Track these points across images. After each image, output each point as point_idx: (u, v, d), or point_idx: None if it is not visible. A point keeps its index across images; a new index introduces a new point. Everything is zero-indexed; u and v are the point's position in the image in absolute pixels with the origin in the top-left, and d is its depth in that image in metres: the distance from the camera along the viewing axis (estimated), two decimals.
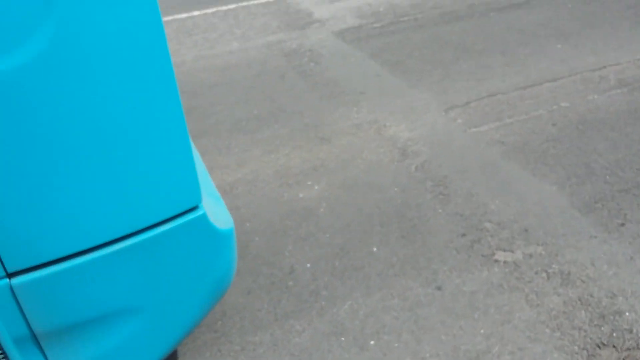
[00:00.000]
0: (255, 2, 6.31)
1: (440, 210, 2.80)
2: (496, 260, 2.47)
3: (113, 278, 1.42)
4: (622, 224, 2.61)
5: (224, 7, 6.21)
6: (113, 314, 1.46)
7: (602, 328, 2.11)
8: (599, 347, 2.07)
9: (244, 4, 6.28)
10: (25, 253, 1.29)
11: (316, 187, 3.07)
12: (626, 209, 2.69)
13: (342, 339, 2.15)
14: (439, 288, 2.34)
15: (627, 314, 2.17)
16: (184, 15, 6.05)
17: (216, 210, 1.66)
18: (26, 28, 1.12)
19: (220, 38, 5.36)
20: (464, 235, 2.62)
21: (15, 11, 1.11)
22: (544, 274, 2.38)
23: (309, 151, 3.40)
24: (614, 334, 2.10)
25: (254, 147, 3.49)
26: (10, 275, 1.29)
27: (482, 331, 2.13)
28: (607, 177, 2.95)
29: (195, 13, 6.12)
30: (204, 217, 1.52)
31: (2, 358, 1.35)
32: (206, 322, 2.29)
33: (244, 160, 3.37)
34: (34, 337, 1.38)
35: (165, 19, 5.99)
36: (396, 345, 2.10)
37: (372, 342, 2.12)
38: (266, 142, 3.53)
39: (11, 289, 1.30)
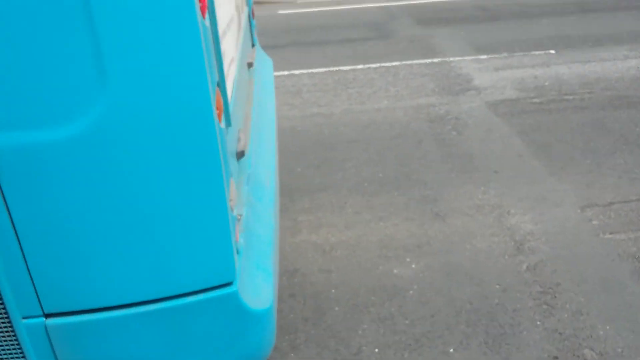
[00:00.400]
0: (418, 61, 6.34)
1: (538, 323, 2.53)
2: None
3: (139, 338, 1.51)
4: None
5: (387, 64, 6.34)
6: None
7: None
8: None
9: (408, 62, 6.34)
10: (63, 299, 1.44)
11: (413, 266, 2.95)
12: None
13: None
14: None
15: None
16: (347, 67, 6.28)
17: (257, 288, 1.68)
18: (81, 103, 1.27)
19: (374, 94, 5.46)
20: (555, 358, 2.32)
21: (72, 85, 1.26)
22: None
23: (420, 225, 3.30)
24: None
25: (367, 211, 3.47)
26: (46, 316, 1.45)
27: None
28: None
29: (359, 67, 6.32)
30: (234, 294, 1.55)
31: None
32: None
33: (353, 223, 3.36)
34: None
35: (330, 69, 6.28)
36: None
37: None
38: (380, 208, 3.50)
39: (45, 328, 1.45)
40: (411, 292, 2.78)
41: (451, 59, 6.36)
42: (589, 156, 4.01)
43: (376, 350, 2.43)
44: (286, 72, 6.23)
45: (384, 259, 3.04)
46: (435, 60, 6.34)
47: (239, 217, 1.73)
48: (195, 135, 1.36)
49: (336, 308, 2.69)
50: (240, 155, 1.95)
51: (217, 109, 1.48)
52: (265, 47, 7.29)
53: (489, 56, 6.38)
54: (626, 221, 3.27)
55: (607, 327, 2.48)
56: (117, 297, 1.45)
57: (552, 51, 6.45)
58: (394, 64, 6.33)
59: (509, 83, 5.54)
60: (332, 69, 6.29)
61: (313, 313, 2.67)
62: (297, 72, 6.24)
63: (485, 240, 3.16)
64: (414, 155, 4.18)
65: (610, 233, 3.18)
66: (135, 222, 1.38)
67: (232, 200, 1.58)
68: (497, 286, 2.78)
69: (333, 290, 2.82)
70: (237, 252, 1.64)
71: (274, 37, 7.88)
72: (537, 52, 6.43)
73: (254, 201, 2.04)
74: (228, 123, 1.77)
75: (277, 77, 6.12)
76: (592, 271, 2.85)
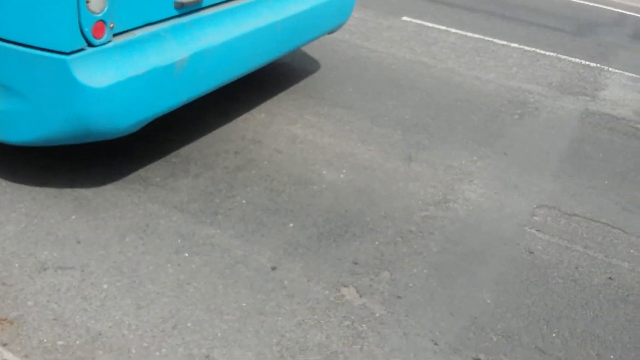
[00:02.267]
0: (572, 59, 6.04)
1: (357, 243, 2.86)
2: None
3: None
4: None
5: (538, 50, 6.17)
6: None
7: None
8: None
9: (563, 56, 6.09)
10: None
11: (341, 176, 3.41)
12: None
13: None
14: None
15: None
16: (500, 42, 6.29)
17: (103, 72, 2.44)
18: None
19: (493, 67, 5.51)
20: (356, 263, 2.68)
21: None
22: None
23: (386, 158, 3.67)
24: None
25: (360, 133, 3.94)
26: None
27: None
28: None
29: (511, 44, 6.28)
30: (65, 63, 2.33)
31: None
32: None
33: (337, 135, 3.87)
34: None
35: (482, 37, 6.35)
36: None
37: None
38: (369, 135, 3.92)
39: None
40: (317, 187, 3.29)
41: (608, 68, 5.94)
42: (609, 179, 3.80)
43: (244, 201, 3.07)
44: (442, 27, 6.52)
45: (326, 162, 3.55)
46: (592, 64, 5.98)
47: (98, 11, 2.42)
48: None
49: (253, 172, 3.36)
50: None
51: None
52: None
53: None
54: (568, 230, 3.22)
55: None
56: None
57: None
58: (546, 52, 6.16)
59: (637, 106, 5.09)
60: (484, 37, 6.38)
61: (244, 163, 3.38)
62: (452, 30, 6.49)
63: (423, 187, 3.43)
64: (458, 117, 4.39)
65: (538, 230, 3.19)
66: None
67: None
68: (384, 212, 3.13)
69: (265, 162, 3.47)
70: (93, 42, 2.41)
71: None
72: None
73: (168, 35, 2.76)
74: None
75: (428, 27, 6.45)
76: (483, 246, 3.03)
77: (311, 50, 5.33)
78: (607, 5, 9.35)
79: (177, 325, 2.30)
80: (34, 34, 2.34)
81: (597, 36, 7.33)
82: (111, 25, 2.52)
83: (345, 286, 2.63)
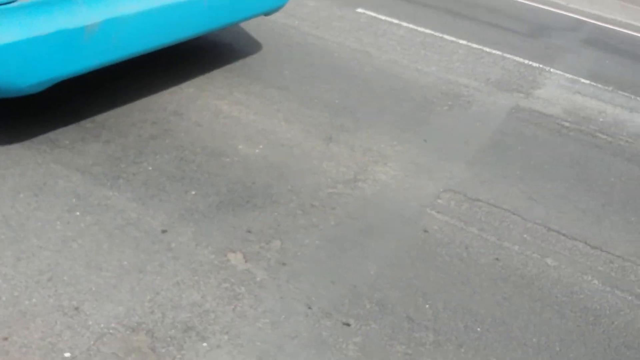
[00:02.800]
0: (519, 59, 6.17)
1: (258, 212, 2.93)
2: None
3: None
4: None
5: (485, 48, 6.29)
6: None
7: None
8: None
9: (508, 55, 6.22)
10: None
11: (257, 151, 3.48)
12: None
13: None
14: None
15: None
16: (449, 38, 6.41)
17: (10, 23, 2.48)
18: None
19: (435, 60, 5.62)
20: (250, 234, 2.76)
21: None
22: None
23: (305, 138, 3.76)
24: None
25: (285, 114, 4.00)
26: None
27: None
28: None
29: (459, 41, 6.40)
30: None
31: None
32: None
33: (262, 113, 3.94)
34: None
35: (430, 32, 6.46)
36: None
37: None
38: (294, 114, 3.99)
39: None
40: (230, 160, 3.35)
41: (550, 69, 6.09)
42: (522, 170, 3.93)
43: (150, 168, 3.12)
44: (394, 20, 6.61)
45: (245, 138, 3.61)
46: (535, 64, 6.13)
47: None
48: None
49: (167, 141, 3.41)
50: None
51: None
52: None
53: (594, 84, 5.97)
54: (468, 214, 3.32)
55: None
56: None
57: None
58: (492, 51, 6.28)
59: (570, 105, 5.24)
60: (434, 33, 6.48)
61: (159, 133, 3.41)
62: (404, 24, 6.58)
63: (336, 167, 3.52)
64: (388, 104, 4.48)
65: (438, 212, 3.29)
66: None
67: None
68: (291, 187, 3.21)
69: (182, 134, 3.52)
70: None
71: None
72: None
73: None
74: None
75: (380, 20, 6.54)
76: (381, 223, 3.12)
77: (256, 33, 5.37)
78: (566, 11, 9.53)
79: (53, 278, 2.34)
80: None
81: (549, 39, 7.49)
82: None
83: (232, 252, 2.70)
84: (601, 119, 5.15)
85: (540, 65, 6.21)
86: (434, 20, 7.10)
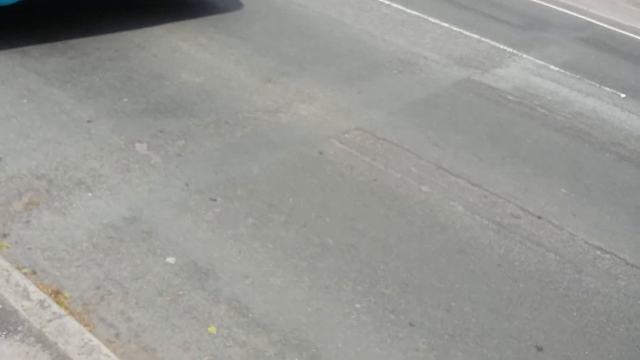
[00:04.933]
0: (490, 41, 6.51)
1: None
2: None
3: None
4: None
5: (459, 30, 6.64)
6: None
7: None
8: None
9: (476, 36, 6.56)
10: None
11: (197, 80, 4.03)
12: None
13: None
14: None
15: None
16: (429, 18, 6.79)
17: None
18: None
19: (407, 36, 6.04)
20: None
21: None
22: None
23: (250, 83, 4.27)
24: None
25: (257, 67, 4.56)
26: None
27: None
28: None
29: (436, 21, 6.78)
30: None
31: None
32: None
33: (225, 60, 4.48)
34: None
35: (410, 11, 6.87)
36: None
37: None
38: (258, 67, 4.52)
39: None
40: (169, 82, 3.91)
41: (522, 55, 6.39)
42: (439, 124, 4.33)
43: (98, 79, 3.72)
44: (386, 1, 7.04)
45: (191, 70, 4.17)
46: (509, 49, 6.44)
47: None
48: None
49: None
50: None
51: None
52: None
53: (562, 71, 6.25)
54: (367, 147, 3.78)
55: None
56: None
57: (623, 95, 5.97)
58: (471, 34, 6.64)
59: (523, 84, 5.56)
60: (420, 15, 6.89)
61: (117, 57, 4.01)
62: (394, 4, 6.96)
63: (264, 100, 4.04)
64: (339, 62, 4.95)
65: (340, 142, 3.75)
66: None
67: None
68: (214, 107, 3.74)
69: (136, 60, 4.11)
70: None
71: None
72: (606, 88, 6.02)
73: None
74: None
75: None
76: (282, 141, 3.62)
77: None
78: (579, 13, 9.70)
79: None
80: None
81: (542, 33, 7.75)
82: None
83: (140, 142, 3.27)
84: (549, 97, 5.46)
85: (514, 51, 6.53)
86: (427, 5, 7.49)
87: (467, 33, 6.76)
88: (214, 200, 2.98)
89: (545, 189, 3.89)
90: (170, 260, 2.55)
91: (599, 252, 3.34)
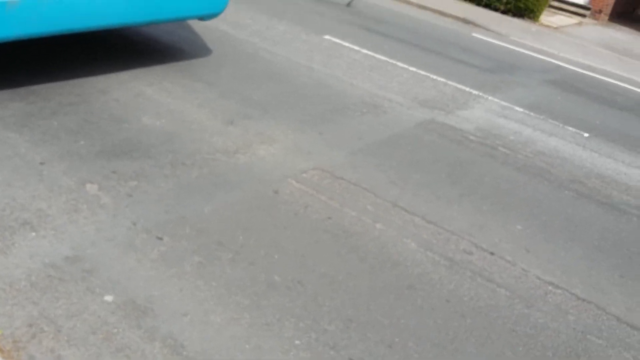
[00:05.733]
0: (455, 84, 6.68)
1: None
2: None
3: None
4: None
5: (424, 73, 6.81)
6: None
7: None
8: None
9: (442, 79, 6.73)
10: None
11: (157, 124, 4.09)
12: None
13: None
14: None
15: None
16: (397, 63, 6.97)
17: None
18: None
19: (375, 79, 6.20)
20: None
21: None
22: None
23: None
24: None
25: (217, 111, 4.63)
26: None
27: None
28: None
29: (401, 65, 6.95)
30: None
31: None
32: None
33: (189, 102, 4.56)
34: None
35: (378, 56, 7.05)
36: None
37: None
38: (220, 109, 4.60)
39: None
40: (128, 126, 3.96)
41: (488, 97, 6.58)
42: (399, 164, 4.39)
43: (56, 123, 3.76)
44: (355, 47, 7.24)
45: (153, 113, 4.23)
46: (474, 92, 6.59)
47: None
48: None
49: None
50: None
51: None
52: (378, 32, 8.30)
53: (526, 112, 6.41)
54: (324, 186, 3.81)
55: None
56: None
57: (586, 134, 6.09)
58: (437, 78, 6.82)
59: (486, 124, 5.67)
60: (389, 60, 7.08)
61: (78, 102, 4.07)
62: (363, 50, 7.20)
63: (224, 141, 4.08)
64: (303, 105, 5.05)
65: (297, 182, 3.78)
66: None
67: None
68: (172, 149, 3.77)
69: (97, 104, 4.17)
70: None
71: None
72: (570, 128, 6.15)
73: None
74: None
75: (342, 46, 7.18)
76: (238, 180, 3.65)
77: (211, 42, 6.07)
78: (550, 57, 10.01)
79: None
80: None
81: (509, 76, 7.97)
82: None
83: (91, 183, 3.28)
84: (512, 137, 5.57)
85: (480, 93, 6.69)
86: (397, 51, 7.71)
87: (434, 76, 6.94)
88: (161, 239, 2.98)
89: (501, 225, 3.92)
90: (108, 298, 2.53)
91: (550, 287, 3.36)
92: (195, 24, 6.45)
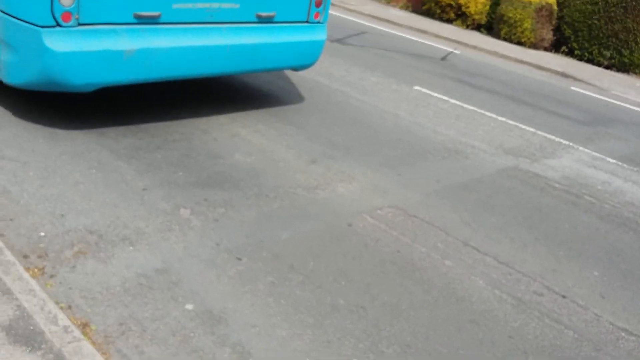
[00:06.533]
0: (544, 134, 6.59)
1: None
2: None
3: None
4: None
5: (511, 122, 6.77)
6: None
7: None
8: None
9: (532, 129, 6.64)
10: None
11: (248, 160, 4.44)
12: None
13: None
14: None
15: None
16: (482, 111, 7.01)
17: (68, 44, 3.80)
18: None
19: (459, 127, 6.34)
20: None
21: None
22: None
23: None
24: None
25: (299, 150, 4.98)
26: None
27: None
28: None
29: (488, 114, 6.96)
30: (38, 32, 3.74)
31: None
32: None
33: (276, 144, 4.91)
34: None
35: (466, 106, 7.12)
36: None
37: None
38: (307, 150, 4.94)
39: None
40: (223, 161, 4.34)
41: (579, 147, 6.46)
42: (476, 207, 4.43)
43: (160, 156, 4.20)
44: (444, 97, 7.40)
45: (245, 151, 4.60)
46: (564, 142, 6.48)
47: (67, 0, 3.83)
48: None
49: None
50: None
51: None
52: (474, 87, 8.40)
53: (619, 163, 6.22)
54: (397, 222, 3.97)
55: None
56: None
57: None
58: (526, 127, 6.81)
59: (574, 174, 5.54)
60: (477, 110, 7.18)
61: (180, 139, 4.58)
62: (452, 100, 7.36)
63: (306, 178, 4.39)
64: (385, 150, 5.29)
65: (371, 217, 3.93)
66: None
67: None
68: (258, 182, 4.09)
69: (197, 142, 4.61)
70: (61, 24, 3.83)
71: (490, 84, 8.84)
72: None
73: (123, 32, 4.11)
74: None
75: (431, 96, 7.38)
76: (315, 212, 3.90)
77: (304, 90, 6.52)
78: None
79: (56, 199, 3.49)
80: (26, 12, 3.86)
81: (604, 128, 7.74)
82: (76, 17, 3.93)
83: (184, 208, 3.66)
84: (600, 187, 5.42)
85: (570, 144, 6.58)
86: (487, 102, 7.79)
87: (523, 126, 6.93)
88: (239, 259, 3.27)
89: (576, 271, 3.86)
90: (189, 306, 2.83)
91: (623, 334, 3.26)
92: (292, 75, 6.95)
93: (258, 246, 3.44)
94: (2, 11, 3.99)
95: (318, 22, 5.58)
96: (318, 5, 5.49)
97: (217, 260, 3.24)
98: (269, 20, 5.13)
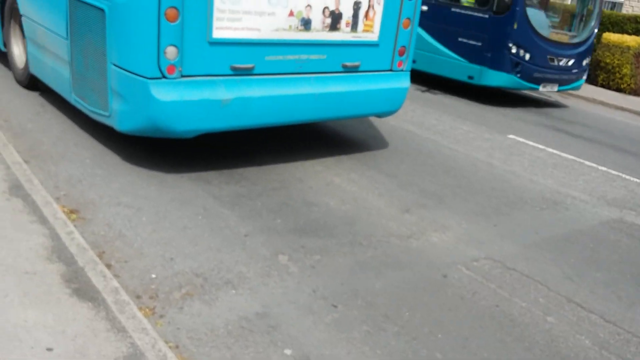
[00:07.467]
0: None
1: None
2: None
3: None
4: None
5: (614, 172, 6.40)
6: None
7: None
8: None
9: (632, 179, 6.27)
10: None
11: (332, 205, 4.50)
12: None
13: None
14: None
15: None
16: (584, 162, 6.72)
17: (171, 94, 4.12)
18: None
19: (555, 176, 6.10)
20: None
21: None
22: None
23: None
24: None
25: (388, 197, 5.01)
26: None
27: None
28: None
29: (588, 163, 6.65)
30: (145, 83, 4.09)
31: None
32: None
33: (367, 193, 4.96)
34: None
35: (564, 155, 6.86)
36: None
37: None
38: (399, 199, 4.96)
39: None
40: (317, 209, 4.44)
41: None
42: (578, 261, 4.20)
43: (260, 204, 4.37)
44: (540, 146, 7.21)
45: (339, 199, 4.68)
46: None
47: (171, 55, 4.16)
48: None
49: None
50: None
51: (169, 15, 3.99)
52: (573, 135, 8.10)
53: None
54: (495, 275, 3.88)
55: None
56: None
57: None
58: (631, 178, 6.48)
59: None
60: (576, 159, 6.94)
61: (279, 187, 4.77)
62: (548, 149, 7.17)
63: (399, 227, 4.40)
64: (480, 199, 5.22)
65: (467, 269, 3.85)
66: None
67: (169, 50, 4.09)
68: (352, 230, 4.13)
69: (294, 190, 4.74)
70: (166, 76, 4.18)
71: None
72: None
73: (221, 83, 4.41)
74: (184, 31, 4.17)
75: (526, 144, 7.20)
76: (409, 262, 3.89)
77: (395, 139, 6.61)
78: None
79: (167, 242, 3.73)
80: (135, 65, 4.27)
81: None
82: (179, 69, 4.28)
83: (283, 254, 3.78)
84: None
85: None
86: (586, 151, 7.53)
87: (626, 176, 6.60)
88: (335, 306, 3.32)
89: None
90: (288, 351, 2.90)
91: None
92: (383, 124, 7.07)
93: (353, 294, 3.48)
94: (115, 64, 4.40)
95: (401, 70, 5.73)
96: (401, 54, 5.65)
97: (313, 306, 3.31)
98: (354, 69, 5.34)
